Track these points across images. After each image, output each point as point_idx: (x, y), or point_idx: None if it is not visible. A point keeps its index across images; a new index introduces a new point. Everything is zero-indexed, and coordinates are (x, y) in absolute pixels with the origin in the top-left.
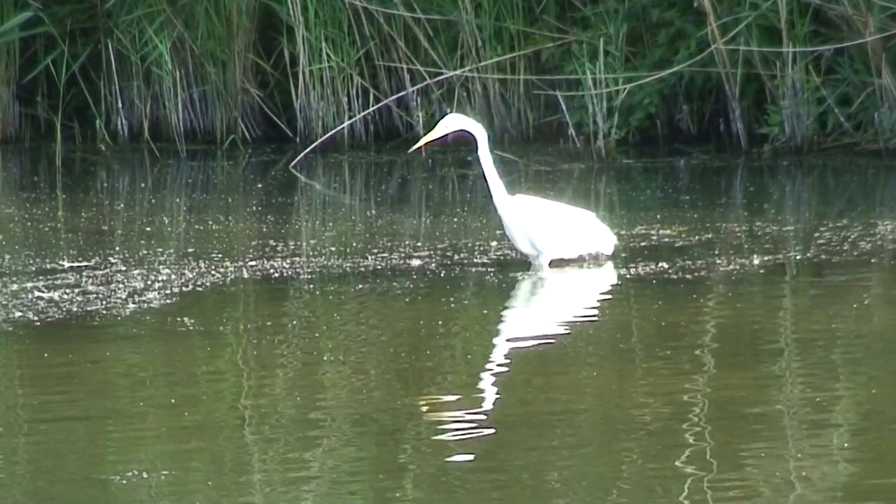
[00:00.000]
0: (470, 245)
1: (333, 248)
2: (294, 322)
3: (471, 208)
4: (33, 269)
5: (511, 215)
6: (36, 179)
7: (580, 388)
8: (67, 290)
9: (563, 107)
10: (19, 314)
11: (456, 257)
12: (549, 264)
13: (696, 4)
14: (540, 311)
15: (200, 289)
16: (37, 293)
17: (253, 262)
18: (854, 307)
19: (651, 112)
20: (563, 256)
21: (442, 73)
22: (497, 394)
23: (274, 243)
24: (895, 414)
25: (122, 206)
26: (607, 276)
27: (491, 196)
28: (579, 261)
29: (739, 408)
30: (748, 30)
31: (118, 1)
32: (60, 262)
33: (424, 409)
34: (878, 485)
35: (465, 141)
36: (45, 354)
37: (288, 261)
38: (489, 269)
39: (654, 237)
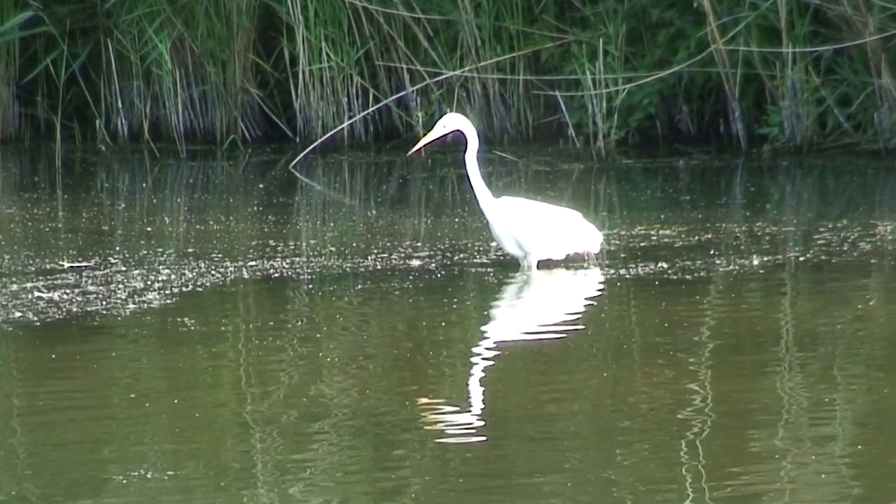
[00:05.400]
0: (470, 245)
1: (333, 248)
2: (294, 322)
3: (471, 208)
4: (33, 269)
5: (497, 217)
6: (36, 179)
7: (580, 388)
8: (67, 291)
9: (563, 107)
10: (19, 314)
11: (456, 257)
12: (538, 265)
13: (696, 4)
14: (540, 311)
15: (200, 289)
16: (37, 293)
17: (253, 262)
18: (854, 307)
19: (651, 112)
20: (550, 256)
21: (441, 73)
22: (497, 393)
23: (274, 243)
24: None
25: (122, 206)
26: (607, 276)
27: (476, 199)
28: (567, 260)
29: (740, 408)
30: (748, 30)
31: (118, 1)
32: (60, 262)
33: (425, 408)
34: (880, 485)
35: (465, 140)
36: (50, 355)
37: (288, 261)
38: (489, 269)
39: (654, 237)
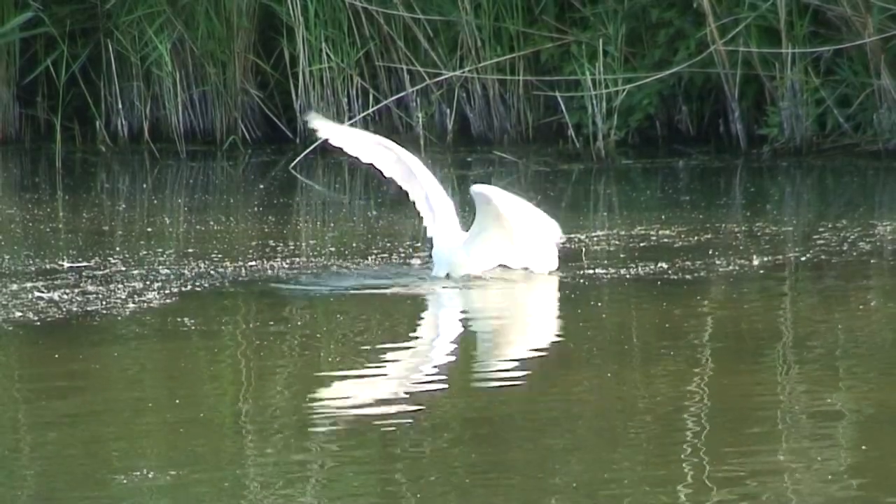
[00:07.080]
0: None
1: (333, 249)
2: (294, 322)
3: (471, 208)
4: (33, 269)
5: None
6: (36, 180)
7: (581, 389)
8: (67, 291)
9: (563, 107)
10: (19, 314)
11: None
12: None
13: (696, 5)
14: (540, 312)
15: (200, 289)
16: (37, 293)
17: (253, 263)
18: (854, 308)
19: (650, 113)
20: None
21: (442, 74)
22: (498, 395)
23: (274, 244)
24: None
25: (122, 206)
26: (607, 276)
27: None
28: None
29: (740, 408)
30: (747, 31)
31: (118, 1)
32: (60, 263)
33: (425, 409)
34: (882, 485)
35: (465, 140)
36: (52, 355)
37: (288, 261)
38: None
39: (654, 238)
